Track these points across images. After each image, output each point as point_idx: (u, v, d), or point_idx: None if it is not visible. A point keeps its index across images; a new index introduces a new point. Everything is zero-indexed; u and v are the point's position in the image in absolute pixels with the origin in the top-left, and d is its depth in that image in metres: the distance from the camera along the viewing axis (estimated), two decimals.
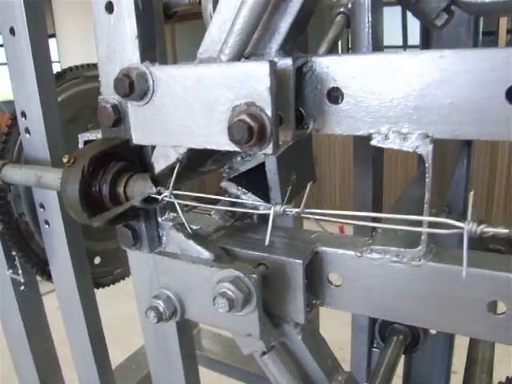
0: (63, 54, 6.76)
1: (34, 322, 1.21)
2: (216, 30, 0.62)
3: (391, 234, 0.68)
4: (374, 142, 0.60)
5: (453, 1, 0.69)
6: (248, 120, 0.53)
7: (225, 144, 0.57)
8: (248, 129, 0.52)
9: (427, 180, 0.58)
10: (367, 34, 1.02)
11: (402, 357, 1.36)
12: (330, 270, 0.67)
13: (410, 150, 0.58)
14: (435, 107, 0.56)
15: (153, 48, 0.73)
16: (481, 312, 0.59)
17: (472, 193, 0.50)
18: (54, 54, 7.03)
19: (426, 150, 0.57)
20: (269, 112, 0.54)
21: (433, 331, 1.28)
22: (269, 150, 0.55)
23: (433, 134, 0.57)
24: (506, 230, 0.49)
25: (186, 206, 0.72)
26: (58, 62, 6.83)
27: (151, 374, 0.95)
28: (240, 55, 0.58)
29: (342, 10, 1.11)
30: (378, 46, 1.09)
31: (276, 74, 0.54)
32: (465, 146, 1.20)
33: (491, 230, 0.50)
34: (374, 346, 1.21)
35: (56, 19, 6.61)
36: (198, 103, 0.60)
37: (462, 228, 0.51)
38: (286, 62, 0.58)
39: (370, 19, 1.01)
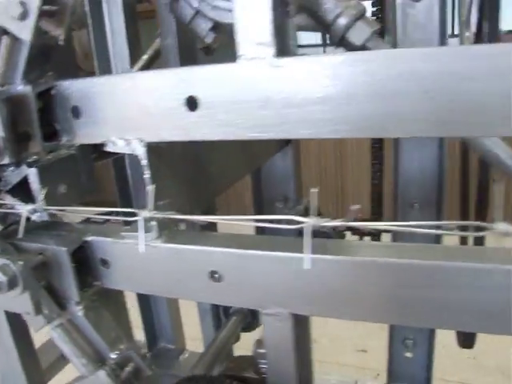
0: None
1: None
2: None
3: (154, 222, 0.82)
4: (107, 148, 0.75)
5: (216, 23, 0.83)
6: None
7: None
8: None
9: (145, 176, 0.73)
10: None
11: None
12: (100, 254, 0.81)
13: (131, 152, 0.73)
14: (135, 117, 0.72)
15: None
16: (204, 281, 0.74)
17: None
18: None
19: (141, 151, 0.72)
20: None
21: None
22: (6, 160, 0.70)
23: (144, 138, 0.72)
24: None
25: None
26: None
27: None
28: None
29: None
30: None
31: (6, 100, 0.69)
32: (285, 142, 1.35)
33: (177, 217, 0.66)
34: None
35: None
36: None
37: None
38: (28, 89, 0.73)
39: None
